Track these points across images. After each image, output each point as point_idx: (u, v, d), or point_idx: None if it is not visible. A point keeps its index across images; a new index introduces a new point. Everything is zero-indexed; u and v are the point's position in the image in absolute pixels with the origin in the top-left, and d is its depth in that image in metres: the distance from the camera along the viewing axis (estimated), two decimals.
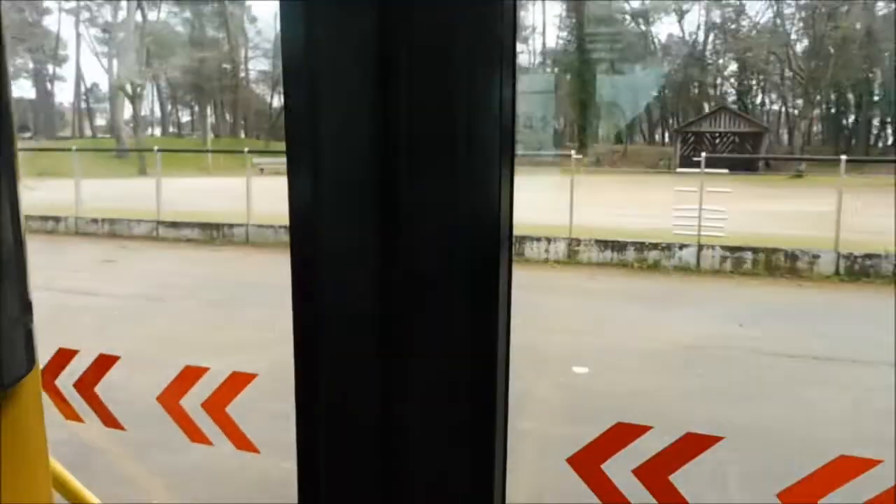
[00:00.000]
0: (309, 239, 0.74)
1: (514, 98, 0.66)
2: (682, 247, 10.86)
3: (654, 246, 11.00)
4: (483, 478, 0.76)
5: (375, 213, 0.71)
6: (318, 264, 0.74)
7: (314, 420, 0.78)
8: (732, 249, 10.62)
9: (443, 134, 0.68)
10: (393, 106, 0.69)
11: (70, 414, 1.65)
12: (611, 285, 10.11)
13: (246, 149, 18.87)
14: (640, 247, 11.05)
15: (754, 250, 10.56)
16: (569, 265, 11.08)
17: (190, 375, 1.59)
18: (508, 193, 0.68)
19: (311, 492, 0.80)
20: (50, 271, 9.46)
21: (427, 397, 0.74)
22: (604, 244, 11.25)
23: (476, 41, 0.65)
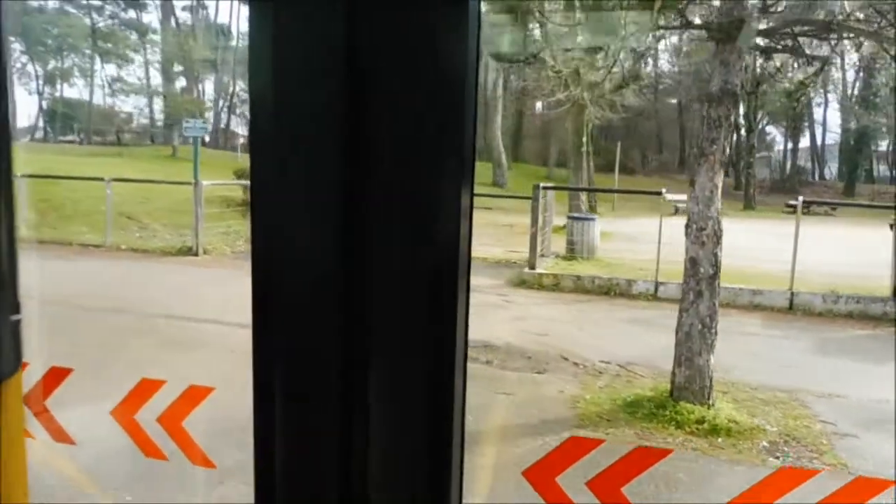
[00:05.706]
0: (271, 258, 0.73)
1: (476, 121, 0.62)
2: None
3: None
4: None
5: (338, 233, 0.69)
6: (280, 280, 0.73)
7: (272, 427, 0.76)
8: None
9: (408, 154, 0.66)
10: (362, 121, 0.67)
11: None
12: None
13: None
14: None
15: None
16: None
17: None
18: (468, 218, 0.65)
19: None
20: None
21: (386, 416, 0.73)
22: None
23: (441, 65, 0.62)
